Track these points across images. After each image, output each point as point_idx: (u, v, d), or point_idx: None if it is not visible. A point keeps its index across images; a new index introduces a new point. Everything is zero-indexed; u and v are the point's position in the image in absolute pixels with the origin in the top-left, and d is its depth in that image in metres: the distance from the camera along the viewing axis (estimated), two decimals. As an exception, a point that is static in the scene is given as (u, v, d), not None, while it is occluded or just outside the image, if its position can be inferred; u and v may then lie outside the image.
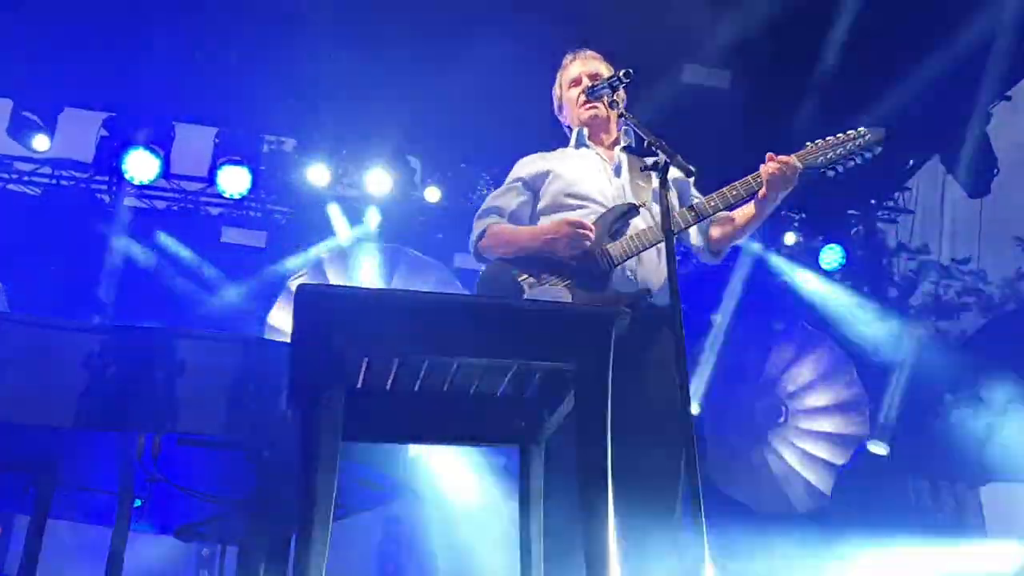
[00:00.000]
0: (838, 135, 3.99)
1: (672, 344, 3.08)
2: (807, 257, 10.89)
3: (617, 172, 4.24)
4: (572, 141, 4.43)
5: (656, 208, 4.08)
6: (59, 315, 7.88)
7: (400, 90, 9.10)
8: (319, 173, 9.82)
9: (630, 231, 3.96)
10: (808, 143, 4.00)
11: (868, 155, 3.99)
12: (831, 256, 10.61)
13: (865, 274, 11.39)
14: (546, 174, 4.23)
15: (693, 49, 8.93)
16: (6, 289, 7.98)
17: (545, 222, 4.12)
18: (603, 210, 4.05)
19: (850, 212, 11.20)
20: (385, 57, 8.84)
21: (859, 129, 4.01)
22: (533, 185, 4.25)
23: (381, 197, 10.00)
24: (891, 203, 11.35)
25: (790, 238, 10.90)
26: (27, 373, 3.54)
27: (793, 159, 3.93)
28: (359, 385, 2.83)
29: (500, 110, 8.79)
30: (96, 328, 3.69)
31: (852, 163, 4.00)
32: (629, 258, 3.88)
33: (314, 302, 2.36)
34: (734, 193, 3.96)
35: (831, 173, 4.02)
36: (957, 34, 8.67)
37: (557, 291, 2.98)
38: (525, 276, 3.87)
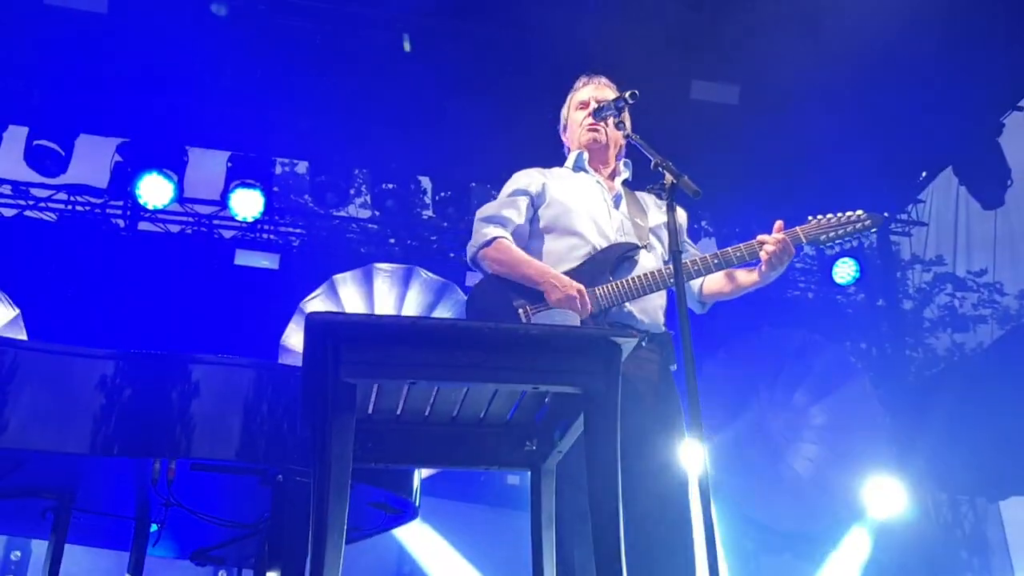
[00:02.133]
0: (839, 215, 4.13)
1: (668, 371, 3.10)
2: (821, 271, 10.88)
3: (617, 204, 4.23)
4: (570, 163, 4.39)
5: (658, 248, 4.12)
6: (76, 340, 7.95)
7: (410, 110, 9.14)
8: (332, 194, 9.82)
9: (634, 272, 3.97)
10: (811, 217, 4.12)
11: (864, 238, 4.13)
12: (845, 270, 10.55)
13: (880, 287, 11.37)
14: (546, 193, 4.21)
15: (700, 64, 8.92)
16: (22, 314, 8.03)
17: (548, 244, 4.10)
18: (602, 241, 4.04)
19: (863, 225, 11.14)
20: (397, 79, 8.90)
21: (859, 212, 4.13)
22: (537, 202, 4.21)
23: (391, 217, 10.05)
24: (905, 215, 11.34)
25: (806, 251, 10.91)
26: (43, 400, 3.55)
27: (799, 233, 4.04)
28: (370, 410, 2.86)
29: (512, 130, 8.81)
30: (110, 354, 3.68)
31: (849, 244, 4.11)
32: (622, 303, 3.88)
33: (323, 330, 2.38)
34: (738, 254, 4.01)
35: (830, 252, 4.15)
36: (965, 46, 8.67)
37: (564, 317, 2.98)
38: (522, 302, 3.85)
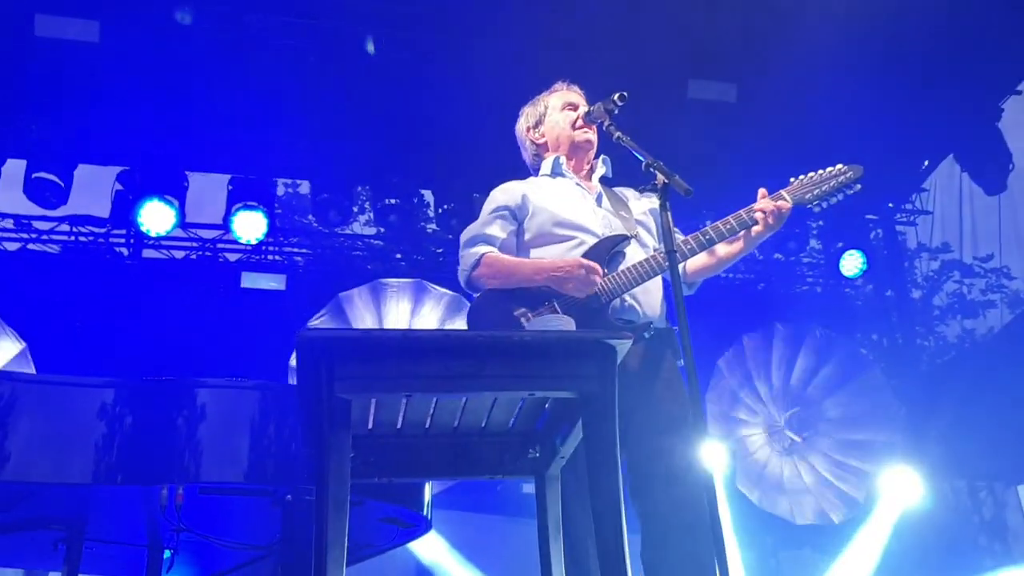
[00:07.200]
0: (820, 171, 4.04)
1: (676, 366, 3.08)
2: (828, 264, 10.86)
3: (599, 202, 4.22)
4: (547, 169, 4.37)
5: (646, 237, 4.10)
6: (84, 371, 7.95)
7: (410, 123, 9.13)
8: (335, 213, 9.82)
9: (624, 263, 3.94)
10: (792, 178, 4.03)
11: (849, 192, 4.03)
12: (852, 262, 10.52)
13: (888, 277, 11.35)
14: (528, 204, 4.19)
15: (697, 64, 8.90)
16: (29, 348, 8.03)
17: (537, 254, 4.09)
18: (593, 240, 4.03)
19: (868, 216, 11.14)
20: (394, 91, 8.89)
21: (839, 166, 4.03)
22: (519, 215, 4.19)
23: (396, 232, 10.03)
24: (909, 205, 11.29)
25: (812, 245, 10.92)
26: (48, 432, 3.56)
27: (786, 196, 3.96)
28: (371, 425, 2.85)
29: (512, 137, 8.77)
30: (109, 383, 3.69)
31: (835, 199, 4.03)
32: (622, 293, 3.86)
33: (315, 348, 2.37)
34: (728, 227, 3.96)
35: (817, 209, 4.05)
36: (962, 32, 8.65)
37: (558, 322, 2.96)
38: (522, 310, 3.83)
